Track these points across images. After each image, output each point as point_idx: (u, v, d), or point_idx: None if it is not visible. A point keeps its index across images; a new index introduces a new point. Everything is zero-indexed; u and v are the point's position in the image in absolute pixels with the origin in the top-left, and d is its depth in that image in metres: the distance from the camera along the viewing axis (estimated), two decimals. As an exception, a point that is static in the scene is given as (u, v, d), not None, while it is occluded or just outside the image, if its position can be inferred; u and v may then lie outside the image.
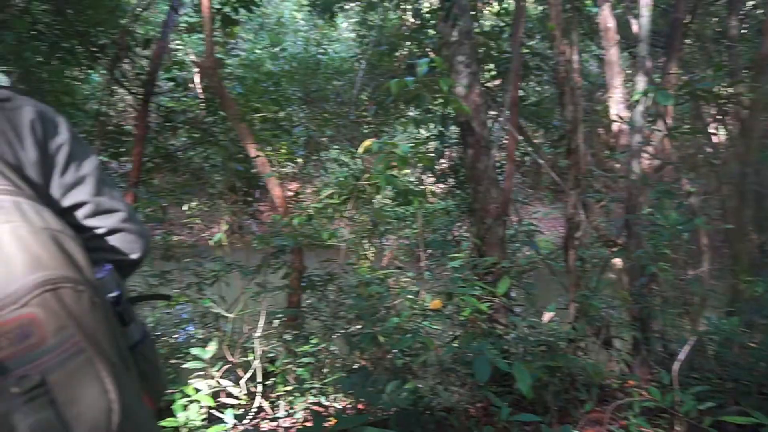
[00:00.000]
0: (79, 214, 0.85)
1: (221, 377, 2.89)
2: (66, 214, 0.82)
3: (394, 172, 3.05)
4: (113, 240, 0.89)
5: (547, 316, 3.05)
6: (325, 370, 3.30)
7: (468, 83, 3.45)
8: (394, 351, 2.86)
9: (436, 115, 5.17)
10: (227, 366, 3.01)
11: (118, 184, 4.60)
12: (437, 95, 3.80)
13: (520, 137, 3.91)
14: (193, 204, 5.51)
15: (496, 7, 6.11)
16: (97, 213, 0.87)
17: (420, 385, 2.92)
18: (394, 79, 2.88)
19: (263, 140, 4.98)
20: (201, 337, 3.66)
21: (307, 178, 7.30)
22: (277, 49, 7.29)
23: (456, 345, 2.94)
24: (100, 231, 0.87)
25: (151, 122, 4.93)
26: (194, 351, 2.77)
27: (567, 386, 2.94)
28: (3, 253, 0.66)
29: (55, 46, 4.46)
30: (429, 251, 3.75)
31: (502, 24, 6.00)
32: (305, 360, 3.20)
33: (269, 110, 5.26)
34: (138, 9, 4.83)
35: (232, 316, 3.14)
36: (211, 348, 2.74)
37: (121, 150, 4.92)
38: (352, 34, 8.32)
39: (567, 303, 3.42)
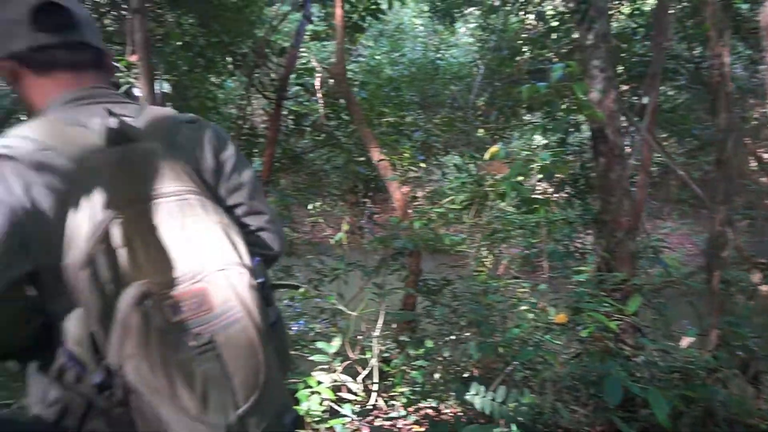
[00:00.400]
0: (237, 212, 1.04)
1: (342, 372, 2.99)
2: (227, 212, 0.97)
3: (520, 179, 2.99)
4: (259, 237, 1.06)
5: (685, 341, 2.80)
6: (437, 375, 3.29)
7: (603, 88, 3.27)
8: (514, 363, 2.78)
9: (563, 121, 4.96)
10: (347, 362, 3.10)
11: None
12: (564, 101, 3.65)
13: (656, 146, 3.63)
14: (318, 204, 5.81)
15: (628, 8, 5.76)
16: (249, 213, 1.05)
17: (538, 401, 2.82)
18: (525, 85, 2.82)
19: (385, 144, 5.11)
20: (318, 331, 3.81)
21: (418, 182, 7.35)
22: (396, 55, 7.43)
23: (580, 363, 2.79)
24: (250, 228, 1.05)
25: (281, 125, 5.24)
26: (320, 344, 2.90)
27: (704, 419, 2.67)
28: (189, 239, 0.84)
29: (200, 56, 4.93)
30: (549, 262, 3.61)
31: (635, 25, 5.65)
32: (419, 363, 3.22)
33: (394, 115, 5.40)
34: (274, 21, 5.16)
35: (354, 314, 3.24)
36: (336, 343, 2.85)
37: (253, 151, 5.30)
38: (470, 39, 8.26)
39: (706, 328, 3.11)
